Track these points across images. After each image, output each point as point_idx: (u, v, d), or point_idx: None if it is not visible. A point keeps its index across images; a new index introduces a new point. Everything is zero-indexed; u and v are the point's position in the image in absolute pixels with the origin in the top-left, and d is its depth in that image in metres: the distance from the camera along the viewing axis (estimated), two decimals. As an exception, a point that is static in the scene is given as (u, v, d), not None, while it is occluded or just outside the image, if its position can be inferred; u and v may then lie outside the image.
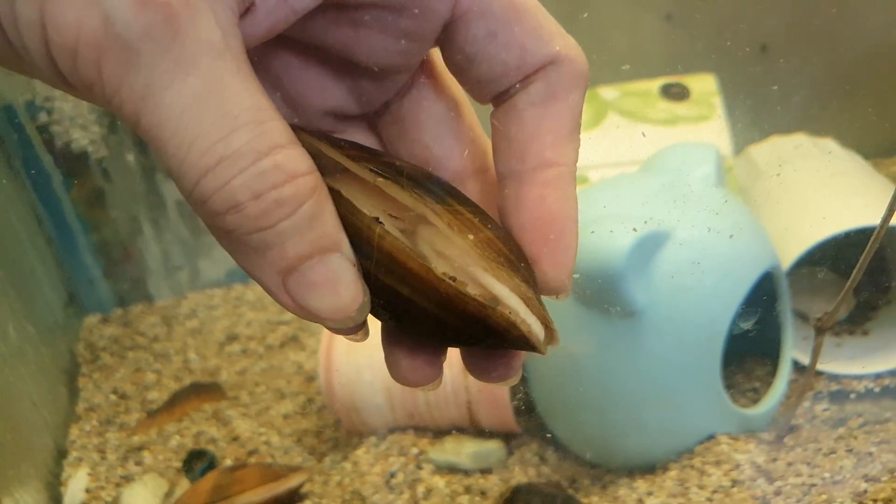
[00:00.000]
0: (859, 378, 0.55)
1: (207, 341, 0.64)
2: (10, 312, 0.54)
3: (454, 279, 0.20)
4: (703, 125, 0.55)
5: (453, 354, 0.47)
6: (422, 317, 0.20)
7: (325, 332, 0.51)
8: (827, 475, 0.44)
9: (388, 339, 0.22)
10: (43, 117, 0.60)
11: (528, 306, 0.20)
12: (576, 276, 0.43)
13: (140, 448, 0.55)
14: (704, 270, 0.43)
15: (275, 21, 0.18)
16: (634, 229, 0.41)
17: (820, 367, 0.55)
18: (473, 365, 0.22)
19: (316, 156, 0.18)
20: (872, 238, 0.38)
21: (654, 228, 0.42)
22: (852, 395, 0.54)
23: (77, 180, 0.62)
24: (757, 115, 0.69)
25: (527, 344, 0.20)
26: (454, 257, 0.20)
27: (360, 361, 0.50)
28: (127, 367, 0.62)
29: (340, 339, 0.50)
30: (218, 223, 0.17)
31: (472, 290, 0.20)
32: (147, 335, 0.65)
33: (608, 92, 0.57)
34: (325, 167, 0.19)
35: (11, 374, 0.52)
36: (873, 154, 0.73)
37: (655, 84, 0.57)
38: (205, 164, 0.16)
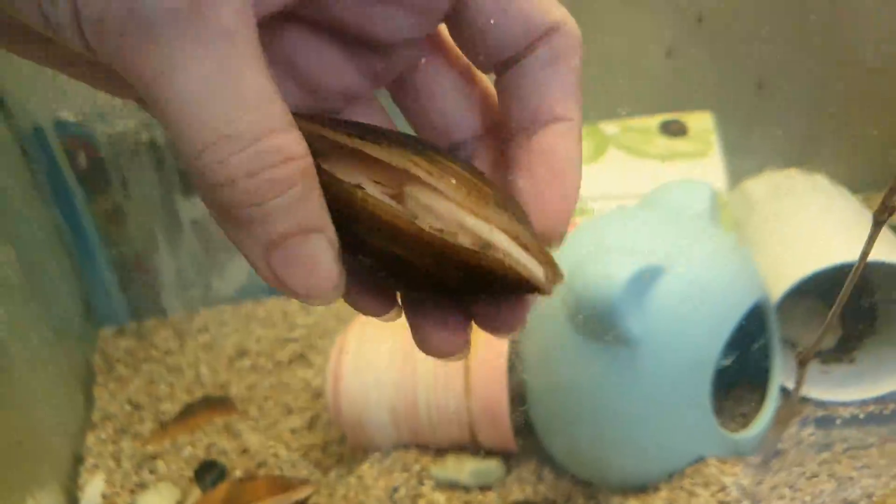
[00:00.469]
0: (845, 405, 0.57)
1: (218, 356, 0.66)
2: (34, 322, 0.56)
3: (441, 231, 0.20)
4: (699, 161, 0.57)
5: (458, 379, 0.49)
6: (421, 274, 0.20)
7: (335, 350, 0.53)
8: (808, 498, 0.46)
9: (413, 313, 0.22)
10: (69, 137, 0.62)
11: (522, 247, 0.20)
12: (574, 305, 0.45)
13: (154, 457, 0.57)
14: (696, 303, 0.46)
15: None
16: (631, 263, 0.43)
17: (808, 393, 0.58)
18: (479, 315, 0.22)
19: (309, 136, 0.19)
20: (851, 275, 0.40)
21: (650, 262, 0.44)
22: (838, 421, 0.56)
23: (98, 197, 0.65)
24: (753, 150, 0.72)
25: (528, 285, 0.20)
26: (441, 209, 0.20)
27: (366, 380, 0.52)
28: (141, 379, 0.64)
29: (349, 359, 0.53)
30: (212, 195, 0.18)
31: (462, 240, 0.20)
32: (160, 348, 0.67)
33: (609, 127, 0.60)
34: (315, 147, 0.19)
35: (33, 381, 0.54)
36: (864, 188, 0.76)
37: (655, 121, 0.60)
38: (206, 141, 0.17)
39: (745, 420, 0.55)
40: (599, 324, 0.44)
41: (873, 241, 0.37)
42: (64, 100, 0.61)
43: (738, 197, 0.65)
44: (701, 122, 0.59)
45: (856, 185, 0.74)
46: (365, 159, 0.21)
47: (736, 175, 0.65)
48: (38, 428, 0.55)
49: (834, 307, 0.44)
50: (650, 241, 0.47)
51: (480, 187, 0.21)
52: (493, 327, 0.22)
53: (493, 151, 0.24)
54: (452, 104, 0.23)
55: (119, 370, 0.66)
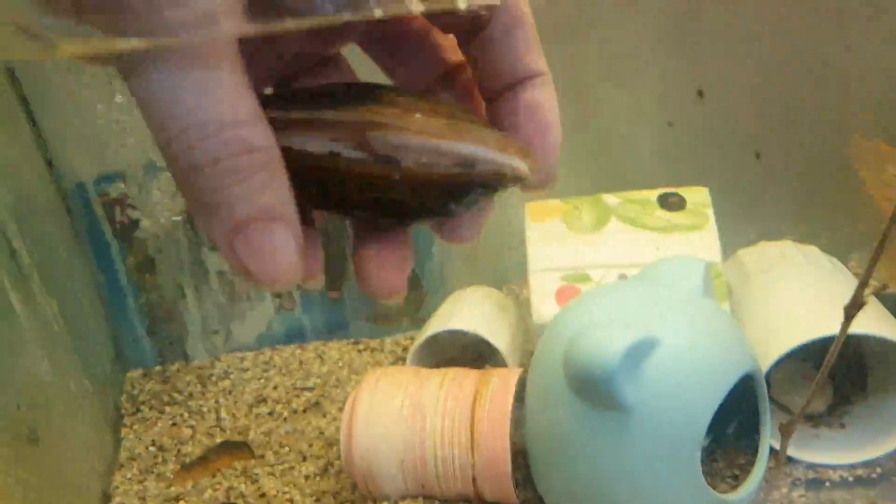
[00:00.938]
0: (835, 468, 0.59)
1: (238, 402, 0.69)
2: (72, 369, 0.60)
3: (427, 164, 0.21)
4: (696, 234, 0.60)
5: (464, 435, 0.53)
6: (420, 206, 0.22)
7: (349, 403, 0.57)
8: (793, 560, 0.49)
9: (362, 261, 0.24)
10: (108, 193, 0.67)
11: (500, 150, 0.22)
12: (574, 373, 0.48)
13: (177, 498, 0.60)
14: (688, 373, 0.49)
15: None
16: (628, 336, 0.46)
17: (799, 456, 0.60)
18: (441, 228, 0.25)
19: (279, 122, 0.20)
20: (828, 357, 0.44)
21: (646, 335, 0.47)
22: (827, 484, 0.59)
23: (131, 249, 0.69)
24: (749, 220, 0.75)
25: (516, 180, 0.22)
26: (414, 144, 0.21)
27: (377, 434, 0.55)
28: (165, 421, 0.68)
29: (361, 412, 0.56)
30: (182, 180, 0.19)
31: (450, 168, 0.21)
32: (183, 392, 0.71)
33: (611, 199, 0.63)
34: (286, 130, 0.21)
35: (69, 425, 0.58)
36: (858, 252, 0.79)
37: (654, 193, 0.63)
38: (177, 128, 0.19)
39: (736, 481, 0.58)
40: (597, 391, 0.47)
41: (846, 332, 0.41)
42: (104, 158, 0.66)
43: (733, 266, 0.68)
44: (698, 196, 0.63)
45: (850, 251, 0.78)
46: (334, 123, 0.22)
47: (733, 242, 0.68)
48: (71, 467, 0.58)
49: (816, 380, 0.47)
50: (646, 314, 0.50)
51: (445, 111, 0.22)
52: (456, 238, 0.25)
53: (457, 85, 0.26)
54: (413, 54, 0.26)
55: (144, 412, 0.69)
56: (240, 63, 0.19)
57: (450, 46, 0.26)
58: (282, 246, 0.20)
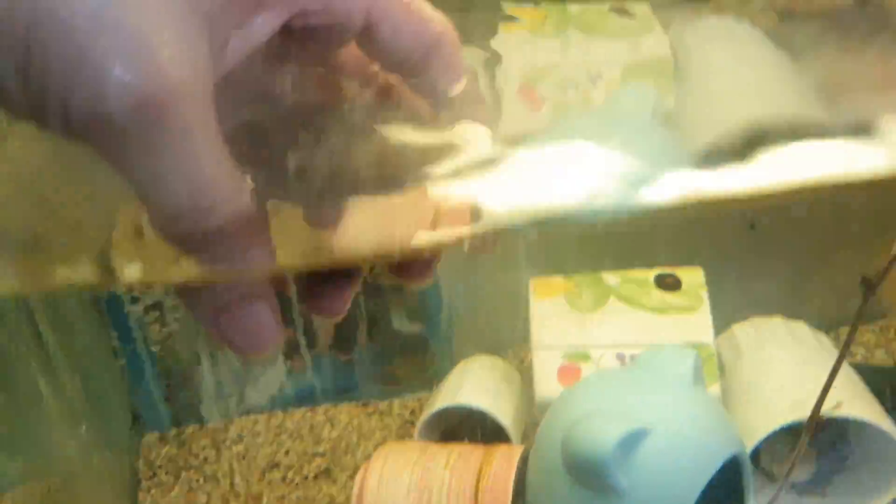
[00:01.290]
0: (816, 534, 0.63)
1: (251, 466, 0.72)
2: (94, 441, 0.63)
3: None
4: (690, 316, 0.64)
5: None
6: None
7: (359, 478, 0.60)
8: None
9: (310, 293, 0.25)
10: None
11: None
12: (570, 459, 0.51)
13: (193, 567, 0.63)
14: (676, 458, 0.52)
15: (238, 58, 0.22)
16: (620, 427, 0.50)
17: (784, 522, 0.64)
18: (399, 272, 0.26)
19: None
20: (799, 446, 0.47)
21: (637, 427, 0.50)
22: (810, 549, 0.62)
23: (150, 321, 0.72)
24: (742, 290, 0.78)
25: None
26: None
27: (387, 502, 0.58)
28: (181, 487, 0.70)
29: (371, 488, 0.59)
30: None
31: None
32: (199, 457, 0.73)
33: (610, 277, 0.67)
34: None
35: (93, 497, 0.61)
36: (847, 323, 0.82)
37: (651, 273, 0.66)
38: (164, 217, 0.20)
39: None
40: (592, 476, 0.51)
41: (809, 434, 0.44)
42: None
43: (726, 341, 0.71)
44: (693, 277, 0.66)
45: (839, 321, 0.80)
46: None
47: (726, 311, 0.71)
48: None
49: (791, 460, 0.51)
50: (638, 404, 0.53)
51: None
52: (408, 279, 0.26)
53: (393, 94, 0.27)
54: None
55: (161, 476, 0.72)
56: (221, 147, 0.20)
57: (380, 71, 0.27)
58: (264, 321, 0.22)
